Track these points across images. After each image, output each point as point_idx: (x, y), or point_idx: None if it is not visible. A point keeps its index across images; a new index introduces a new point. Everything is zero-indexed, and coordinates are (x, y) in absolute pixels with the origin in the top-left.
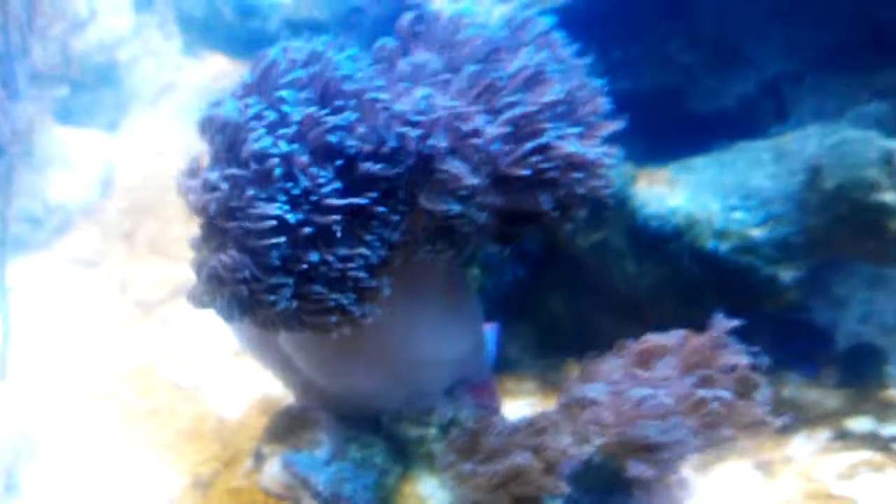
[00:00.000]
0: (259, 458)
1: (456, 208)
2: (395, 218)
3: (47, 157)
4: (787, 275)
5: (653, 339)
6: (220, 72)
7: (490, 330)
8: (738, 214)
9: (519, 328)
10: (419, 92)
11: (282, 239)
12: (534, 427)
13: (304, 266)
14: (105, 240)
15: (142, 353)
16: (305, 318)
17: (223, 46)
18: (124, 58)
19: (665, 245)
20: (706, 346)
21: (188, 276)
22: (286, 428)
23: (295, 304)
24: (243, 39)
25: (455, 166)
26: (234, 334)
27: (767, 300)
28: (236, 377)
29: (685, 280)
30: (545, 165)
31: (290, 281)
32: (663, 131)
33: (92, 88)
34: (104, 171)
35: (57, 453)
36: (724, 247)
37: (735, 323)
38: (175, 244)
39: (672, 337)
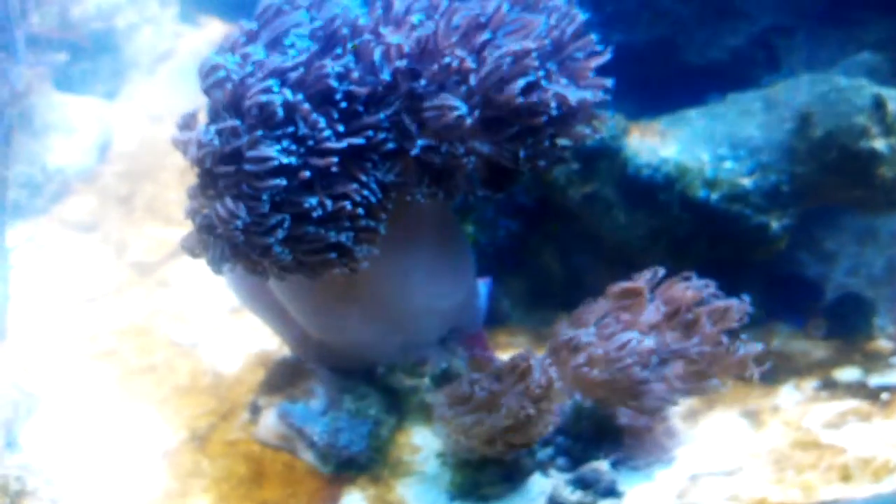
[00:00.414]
0: (255, 411)
1: (443, 147)
2: (389, 159)
3: (46, 123)
4: (776, 223)
5: (635, 282)
6: (218, 37)
7: (483, 284)
8: (728, 164)
9: (512, 283)
10: (413, 17)
11: (281, 181)
12: (517, 368)
13: (301, 208)
14: (102, 204)
15: (139, 312)
16: (302, 259)
17: (220, 12)
18: (122, 25)
19: (656, 194)
20: (688, 292)
21: None
22: (282, 380)
23: (289, 246)
24: (240, 4)
25: (443, 97)
26: (231, 287)
27: (758, 249)
28: (234, 334)
29: (676, 230)
30: (534, 101)
31: (287, 221)
32: (656, 84)
33: (90, 56)
34: (102, 136)
35: (56, 410)
36: (714, 195)
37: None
38: (172, 207)
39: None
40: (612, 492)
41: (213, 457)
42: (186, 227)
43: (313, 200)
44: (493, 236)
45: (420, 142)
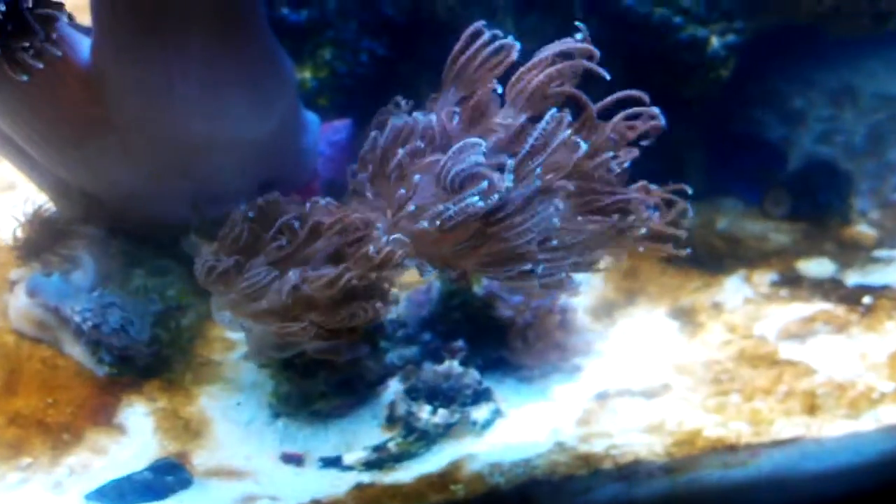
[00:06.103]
0: (11, 290)
1: None
2: None
3: None
4: (717, 39)
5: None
6: None
7: (343, 128)
8: None
9: None
10: None
11: None
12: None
13: None
14: None
15: None
16: None
17: None
18: None
19: None
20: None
21: None
22: (42, 246)
23: None
24: None
25: None
26: None
27: (693, 77)
28: (8, 207)
29: None
30: None
31: None
32: None
33: None
34: None
35: None
36: None
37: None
38: None
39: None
40: (480, 395)
41: None
42: None
43: None
44: (354, 64)
45: None
